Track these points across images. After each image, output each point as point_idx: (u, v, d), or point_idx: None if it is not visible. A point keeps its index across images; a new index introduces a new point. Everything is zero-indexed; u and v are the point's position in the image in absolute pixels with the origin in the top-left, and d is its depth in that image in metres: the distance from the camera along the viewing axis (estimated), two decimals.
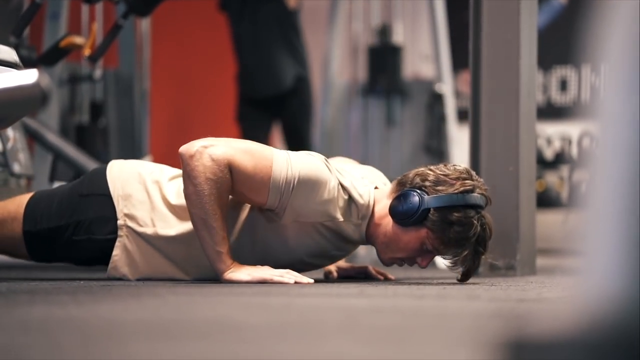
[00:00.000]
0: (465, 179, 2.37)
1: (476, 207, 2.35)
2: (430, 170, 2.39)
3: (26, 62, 2.98)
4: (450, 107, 5.70)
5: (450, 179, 2.36)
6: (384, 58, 6.25)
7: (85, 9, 5.33)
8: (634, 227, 0.81)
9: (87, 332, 1.24)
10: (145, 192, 2.49)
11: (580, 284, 0.83)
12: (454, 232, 2.32)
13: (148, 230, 2.45)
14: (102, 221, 2.48)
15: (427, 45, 6.63)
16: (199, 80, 7.19)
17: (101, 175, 2.54)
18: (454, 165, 2.42)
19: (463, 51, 3.41)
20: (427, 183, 2.36)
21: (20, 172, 3.47)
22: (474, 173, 2.42)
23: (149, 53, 5.58)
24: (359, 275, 2.70)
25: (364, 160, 6.24)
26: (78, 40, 3.62)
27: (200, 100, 7.16)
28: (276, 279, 2.28)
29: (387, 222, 2.40)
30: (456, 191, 2.34)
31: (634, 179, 0.82)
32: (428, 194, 2.34)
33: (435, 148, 6.05)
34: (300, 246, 2.42)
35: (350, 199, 2.38)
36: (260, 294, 1.97)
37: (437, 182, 2.36)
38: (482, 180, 2.42)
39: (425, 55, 7.03)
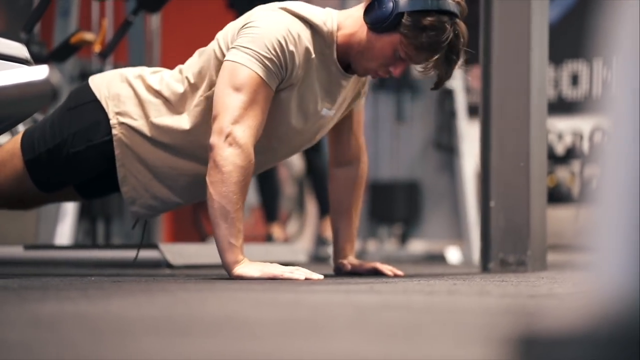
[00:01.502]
0: None
1: (450, 14, 2.38)
2: None
3: (37, 59, 2.99)
4: (461, 103, 5.69)
5: None
6: None
7: (95, 5, 5.34)
8: None
9: (98, 328, 1.24)
10: (129, 87, 2.54)
11: (591, 280, 0.82)
12: (426, 36, 2.36)
13: (142, 122, 2.51)
14: (95, 126, 2.53)
15: None
16: None
17: (84, 86, 2.61)
18: None
19: (474, 47, 3.40)
20: None
21: None
22: None
23: (158, 49, 5.59)
24: (367, 272, 2.70)
25: (374, 155, 6.26)
26: (88, 36, 3.63)
27: None
28: (286, 275, 2.29)
29: (362, 31, 2.43)
30: None
31: None
32: None
33: (446, 144, 6.04)
34: (285, 110, 2.45)
35: (314, 29, 2.42)
36: (270, 290, 1.97)
37: None
38: None
39: None
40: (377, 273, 2.68)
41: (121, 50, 5.26)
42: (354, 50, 2.45)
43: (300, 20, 2.41)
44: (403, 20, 2.36)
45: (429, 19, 2.35)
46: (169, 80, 2.53)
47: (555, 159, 7.00)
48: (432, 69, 2.43)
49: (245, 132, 2.31)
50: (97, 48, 3.62)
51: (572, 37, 7.12)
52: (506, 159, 3.09)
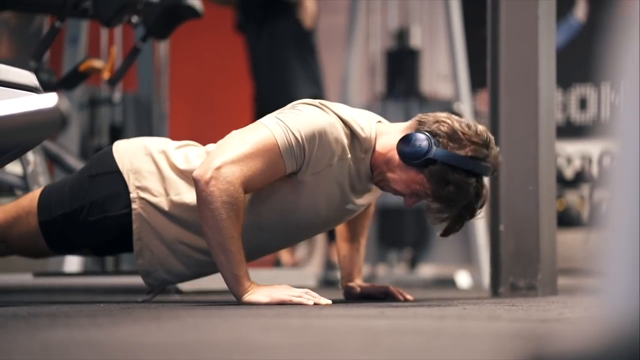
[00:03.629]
0: (480, 145, 2.36)
1: (478, 176, 2.35)
2: (451, 121, 2.39)
3: (46, 86, 3.00)
4: None
5: (466, 139, 2.36)
6: (401, 62, 6.22)
7: (104, 32, 5.37)
8: None
9: (107, 355, 1.24)
10: (153, 162, 2.52)
11: (601, 304, 0.82)
12: (447, 191, 2.34)
13: (162, 199, 2.48)
14: (115, 197, 2.50)
15: (444, 63, 6.63)
16: (217, 103, 7.22)
17: (108, 154, 2.58)
18: (477, 126, 2.41)
19: (481, 70, 3.41)
20: (442, 133, 2.36)
21: None
22: (492, 140, 2.41)
23: (167, 76, 5.61)
24: (380, 295, 2.69)
25: None
26: (97, 63, 3.65)
27: (219, 123, 7.19)
28: (295, 300, 2.28)
29: (393, 155, 2.41)
30: (466, 154, 2.34)
31: None
32: (439, 145, 2.34)
33: None
34: (316, 199, 2.42)
35: (353, 134, 2.40)
36: (279, 315, 1.96)
37: (453, 137, 2.36)
38: (498, 149, 2.42)
39: (444, 74, 7.03)
40: (387, 294, 2.67)
41: (130, 77, 5.29)
42: (379, 167, 2.44)
43: (341, 121, 2.38)
44: (431, 166, 2.34)
45: (456, 176, 2.33)
46: (194, 159, 2.50)
47: (565, 183, 6.99)
48: (443, 221, 2.41)
49: (235, 173, 2.27)
50: (106, 75, 3.63)
51: (580, 62, 7.13)
52: (515, 182, 3.09)
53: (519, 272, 3.05)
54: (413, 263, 6.29)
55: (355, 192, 2.48)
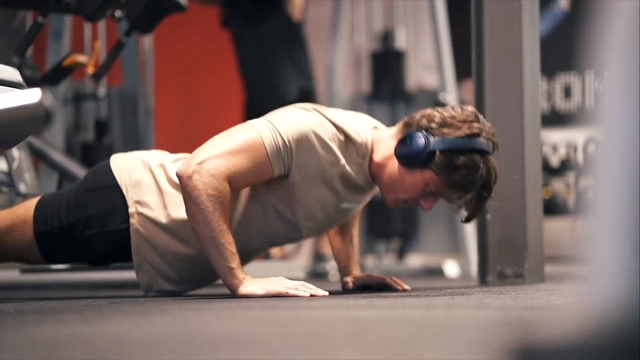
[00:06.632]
0: (472, 121, 2.36)
1: (482, 152, 2.35)
2: (437, 111, 2.38)
3: (30, 82, 2.98)
4: None
5: (457, 121, 2.35)
6: (387, 64, 6.23)
7: (87, 27, 5.35)
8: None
9: (95, 350, 1.23)
10: (151, 176, 2.50)
11: (588, 291, 0.82)
12: (459, 175, 2.32)
13: (160, 213, 2.46)
14: (113, 212, 2.48)
15: (430, 54, 6.63)
16: (203, 96, 7.20)
17: (106, 168, 2.55)
18: (461, 106, 2.41)
19: (466, 60, 3.41)
20: (433, 125, 2.35)
21: (26, 192, 3.47)
22: (481, 116, 2.41)
23: (152, 70, 5.60)
24: (377, 285, 2.69)
25: None
26: (81, 58, 3.63)
27: (205, 116, 7.17)
28: (291, 292, 2.27)
29: (392, 164, 2.40)
30: (462, 134, 2.33)
31: (638, 184, 0.81)
32: (434, 136, 2.34)
33: None
34: (312, 202, 2.40)
35: (347, 139, 2.38)
36: (269, 307, 1.96)
37: (444, 124, 2.35)
38: (489, 124, 2.41)
39: (429, 65, 7.03)
40: (385, 285, 2.67)
41: (115, 72, 5.27)
42: (383, 181, 2.42)
43: (334, 126, 2.36)
44: (435, 159, 2.33)
45: (462, 158, 2.32)
46: None
47: (550, 171, 7.01)
48: (465, 207, 2.40)
49: (218, 167, 2.26)
50: (90, 70, 3.61)
51: (564, 50, 7.15)
52: (501, 171, 3.09)
53: (506, 260, 3.06)
54: (401, 253, 6.30)
55: (352, 194, 2.47)
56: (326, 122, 2.35)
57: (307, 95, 5.20)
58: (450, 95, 5.65)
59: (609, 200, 0.83)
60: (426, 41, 6.98)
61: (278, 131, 2.31)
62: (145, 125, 5.51)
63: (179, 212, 2.44)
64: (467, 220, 2.46)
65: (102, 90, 5.25)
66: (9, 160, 3.47)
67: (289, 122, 2.33)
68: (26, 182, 3.51)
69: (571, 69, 7.50)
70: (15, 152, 3.46)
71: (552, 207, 6.64)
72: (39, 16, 3.24)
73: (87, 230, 2.48)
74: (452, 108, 2.39)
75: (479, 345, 1.20)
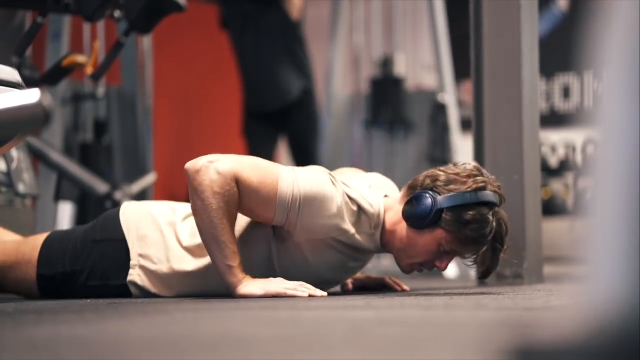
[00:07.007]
0: (475, 176, 2.35)
1: (489, 204, 2.32)
2: (440, 170, 2.37)
3: (29, 82, 2.98)
4: (454, 117, 5.70)
5: (461, 177, 2.34)
6: (386, 90, 6.25)
7: (86, 27, 5.35)
8: (639, 234, 0.81)
9: (94, 350, 1.23)
10: (159, 233, 2.47)
11: (587, 292, 0.82)
12: (469, 230, 2.30)
13: (162, 266, 2.45)
14: (117, 267, 2.47)
15: (428, 55, 6.63)
16: (201, 96, 7.20)
17: (114, 219, 2.52)
18: (463, 163, 2.40)
19: (465, 60, 3.41)
20: (438, 183, 2.34)
21: (24, 192, 3.47)
22: (484, 170, 2.40)
23: (151, 70, 5.60)
24: (376, 286, 2.69)
25: (368, 170, 6.24)
26: (80, 58, 3.63)
27: (203, 116, 7.17)
28: (290, 292, 2.27)
29: (402, 228, 2.38)
30: (468, 189, 2.32)
31: (637, 184, 0.81)
32: (440, 194, 2.33)
33: (439, 158, 6.04)
34: (317, 262, 2.39)
35: (360, 210, 2.36)
36: (267, 307, 1.96)
37: (448, 181, 2.34)
38: (493, 176, 2.40)
39: (427, 65, 7.03)
40: (384, 286, 2.67)
41: (113, 72, 5.27)
42: (395, 247, 2.41)
43: (348, 197, 2.34)
44: (444, 216, 2.31)
45: (471, 212, 2.30)
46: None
47: (549, 172, 7.01)
48: (480, 261, 2.38)
49: (228, 166, 2.24)
50: (89, 70, 3.61)
51: (563, 50, 7.15)
52: (499, 172, 3.09)
53: (505, 260, 3.06)
54: None
55: (360, 254, 2.46)
56: (341, 192, 2.32)
57: (307, 95, 5.20)
58: (448, 96, 5.65)
59: (608, 201, 0.83)
60: (425, 36, 6.97)
61: (297, 183, 2.28)
62: (143, 125, 5.51)
63: (182, 266, 2.43)
64: (484, 276, 2.44)
65: (100, 90, 5.25)
66: (8, 160, 3.47)
67: (311, 180, 2.30)
68: (25, 182, 3.51)
69: (570, 70, 7.51)
70: (14, 152, 3.46)
71: (551, 208, 6.64)
72: (38, 16, 3.24)
73: (89, 280, 2.47)
74: (454, 165, 2.38)
75: (477, 346, 1.20)
